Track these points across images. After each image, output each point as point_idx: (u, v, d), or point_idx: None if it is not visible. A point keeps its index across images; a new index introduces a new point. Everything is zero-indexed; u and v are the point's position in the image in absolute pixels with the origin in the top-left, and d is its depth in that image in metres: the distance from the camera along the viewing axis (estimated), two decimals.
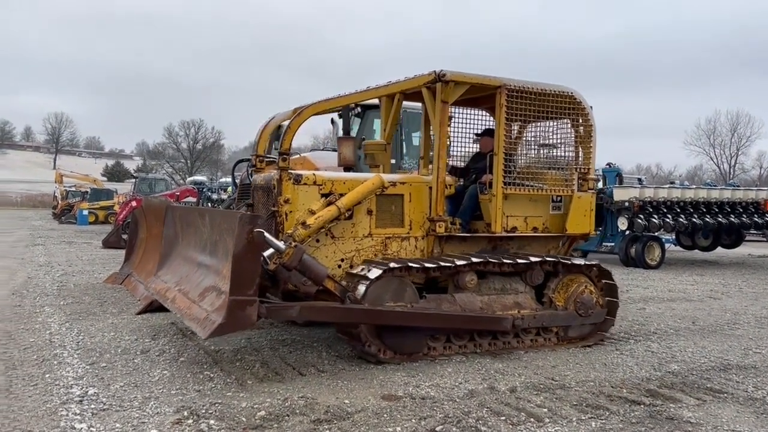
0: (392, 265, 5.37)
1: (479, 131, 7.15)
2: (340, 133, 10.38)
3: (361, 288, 5.22)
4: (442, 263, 5.61)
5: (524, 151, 6.66)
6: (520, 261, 5.93)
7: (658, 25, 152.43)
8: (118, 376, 4.89)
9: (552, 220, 6.50)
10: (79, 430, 3.77)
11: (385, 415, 4.15)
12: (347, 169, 6.33)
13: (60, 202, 37.46)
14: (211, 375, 4.96)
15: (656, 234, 14.79)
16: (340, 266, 5.62)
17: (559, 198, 6.48)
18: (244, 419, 4.01)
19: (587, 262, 6.38)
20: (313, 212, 5.41)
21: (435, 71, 5.82)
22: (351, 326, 5.26)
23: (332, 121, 10.79)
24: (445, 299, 5.68)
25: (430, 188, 5.97)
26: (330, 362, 5.41)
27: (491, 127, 6.59)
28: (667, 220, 14.42)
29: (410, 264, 5.48)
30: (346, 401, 4.41)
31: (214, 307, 4.67)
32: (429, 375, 5.09)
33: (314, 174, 5.63)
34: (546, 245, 6.61)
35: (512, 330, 5.82)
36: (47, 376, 4.86)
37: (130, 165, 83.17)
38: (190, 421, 3.96)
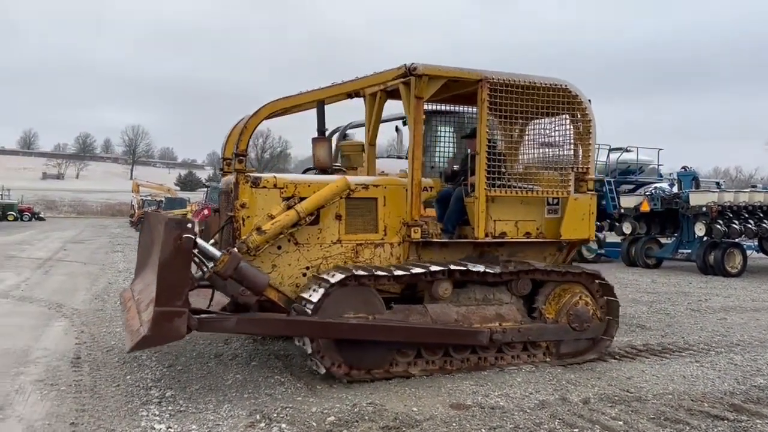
0: (334, 279, 4.93)
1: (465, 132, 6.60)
2: (405, 140, 10.38)
3: (309, 309, 4.88)
4: (396, 272, 5.12)
5: (514, 150, 6.07)
6: (487, 270, 5.39)
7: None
8: (194, 379, 5.05)
9: (548, 224, 5.94)
10: (158, 430, 3.92)
11: (454, 424, 4.11)
12: (322, 171, 5.93)
13: (137, 210, 39.11)
14: (282, 379, 5.06)
15: (737, 240, 14.08)
16: (305, 274, 5.27)
17: (555, 200, 5.93)
18: (314, 424, 4.07)
19: (579, 270, 5.84)
20: (272, 217, 5.09)
21: (405, 64, 5.42)
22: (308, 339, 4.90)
23: (396, 129, 10.82)
24: (416, 310, 5.24)
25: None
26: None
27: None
28: (749, 225, 13.70)
29: (356, 272, 5.00)
30: (414, 409, 4.39)
31: (148, 318, 4.41)
32: (498, 384, 5.02)
33: (275, 176, 5.32)
34: (542, 252, 6.11)
35: (490, 344, 5.33)
36: (128, 377, 5.08)
37: (202, 174, 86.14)
38: (263, 424, 4.05)
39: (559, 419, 4.23)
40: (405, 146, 10.80)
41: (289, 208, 5.10)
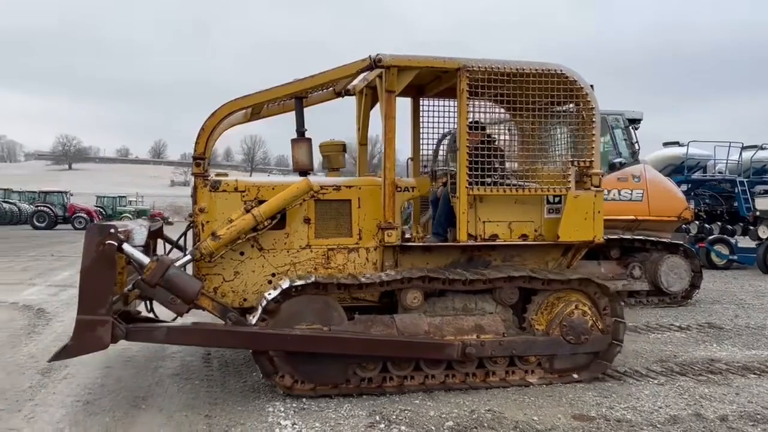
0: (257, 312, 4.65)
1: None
2: None
3: (252, 320, 4.67)
4: (338, 281, 4.77)
5: (504, 145, 5.52)
6: (449, 277, 4.90)
7: None
8: None
9: (548, 225, 5.36)
10: (284, 426, 4.09)
11: None
12: (303, 174, 5.59)
13: None
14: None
15: None
16: (270, 282, 4.99)
17: (557, 199, 5.36)
18: (433, 428, 4.07)
19: (579, 277, 5.20)
20: (232, 222, 4.87)
21: (371, 55, 5.01)
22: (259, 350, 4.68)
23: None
24: (380, 321, 4.86)
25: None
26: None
27: (477, 119, 5.32)
28: None
29: (265, 299, 4.65)
30: (535, 418, 4.29)
31: None
32: (623, 396, 4.78)
33: (236, 180, 5.10)
34: (544, 256, 5.52)
35: (463, 359, 4.83)
36: (254, 374, 5.31)
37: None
38: (382, 425, 4.12)
39: None
40: None
41: (247, 212, 4.88)
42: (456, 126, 5.46)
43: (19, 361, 5.68)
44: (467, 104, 5.10)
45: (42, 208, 35.46)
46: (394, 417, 4.26)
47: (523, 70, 5.17)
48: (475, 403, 4.59)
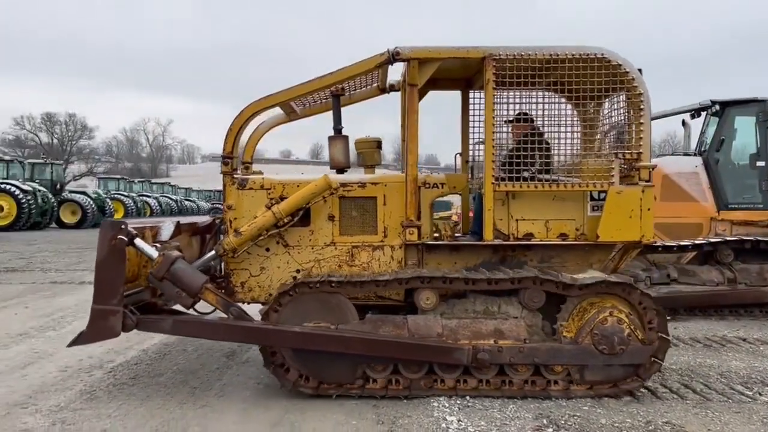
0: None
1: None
2: (693, 135, 9.35)
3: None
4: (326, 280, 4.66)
5: (543, 137, 4.97)
6: (451, 276, 4.61)
7: None
8: None
9: (592, 224, 4.91)
10: (450, 422, 4.13)
11: None
12: (340, 171, 5.48)
13: None
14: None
15: None
16: (295, 278, 4.98)
17: (603, 195, 4.85)
18: None
19: (598, 280, 4.59)
20: (255, 219, 4.92)
21: (389, 49, 4.84)
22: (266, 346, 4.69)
23: (683, 123, 9.88)
24: (391, 321, 4.69)
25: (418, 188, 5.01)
26: (696, 388, 4.90)
27: (525, 111, 5.00)
28: None
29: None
30: None
31: None
32: None
33: (263, 178, 5.11)
34: (587, 257, 5.02)
35: (475, 364, 4.54)
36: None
37: None
38: (550, 430, 4.01)
39: None
40: (693, 142, 9.78)
41: (268, 209, 4.93)
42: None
43: (207, 344, 6.28)
44: (493, 95, 4.81)
45: (217, 205, 38.97)
46: (562, 422, 4.13)
47: (558, 56, 4.79)
48: (650, 413, 4.31)
